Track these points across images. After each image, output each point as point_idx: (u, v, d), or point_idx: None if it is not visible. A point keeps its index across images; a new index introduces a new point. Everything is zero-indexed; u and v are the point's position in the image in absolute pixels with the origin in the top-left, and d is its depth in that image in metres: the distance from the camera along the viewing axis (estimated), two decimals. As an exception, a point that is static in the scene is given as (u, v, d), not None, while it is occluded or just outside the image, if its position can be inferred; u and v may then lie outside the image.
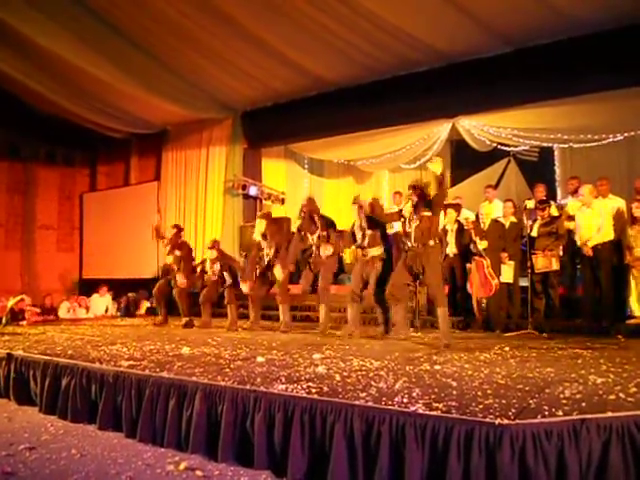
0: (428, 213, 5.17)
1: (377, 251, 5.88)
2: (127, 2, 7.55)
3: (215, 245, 7.48)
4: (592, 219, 6.25)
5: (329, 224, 6.42)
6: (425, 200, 5.21)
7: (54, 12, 7.41)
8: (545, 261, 6.28)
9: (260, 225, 6.91)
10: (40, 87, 9.30)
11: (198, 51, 8.51)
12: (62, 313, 9.51)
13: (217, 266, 7.36)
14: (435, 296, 5.30)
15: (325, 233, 6.29)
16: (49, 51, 7.99)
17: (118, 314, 9.87)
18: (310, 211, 6.42)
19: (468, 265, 6.34)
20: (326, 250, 6.23)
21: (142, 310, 9.94)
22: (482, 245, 6.26)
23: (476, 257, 6.21)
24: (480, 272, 6.12)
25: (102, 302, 10.01)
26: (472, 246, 6.28)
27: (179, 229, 8.05)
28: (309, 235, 6.40)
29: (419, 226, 5.16)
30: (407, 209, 5.34)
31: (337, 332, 6.04)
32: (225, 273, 7.32)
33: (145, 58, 8.71)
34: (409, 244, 5.23)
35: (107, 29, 8.07)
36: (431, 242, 5.16)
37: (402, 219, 5.37)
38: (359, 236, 5.97)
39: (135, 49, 8.52)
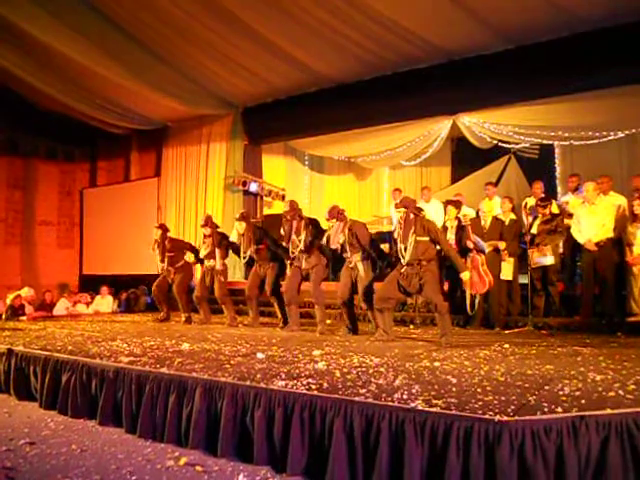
0: (425, 238, 5.00)
1: (359, 257, 5.75)
2: (130, -1, 7.55)
3: (208, 222, 7.26)
4: (595, 216, 6.26)
5: (313, 233, 6.25)
6: (422, 225, 5.06)
7: (55, 8, 7.40)
8: (539, 255, 6.29)
9: (239, 226, 6.78)
10: (40, 83, 9.30)
11: (199, 47, 8.50)
12: (58, 311, 9.45)
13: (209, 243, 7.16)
14: (437, 307, 5.01)
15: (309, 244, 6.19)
16: (49, 47, 7.98)
17: (118, 310, 9.88)
18: (293, 217, 6.32)
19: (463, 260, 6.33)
20: (310, 262, 6.20)
21: (142, 306, 9.96)
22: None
23: (471, 253, 6.22)
24: (475, 268, 6.13)
25: (104, 303, 10.00)
26: (468, 242, 6.27)
27: (164, 229, 7.84)
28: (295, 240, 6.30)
29: (415, 247, 4.98)
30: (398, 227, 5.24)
31: (337, 333, 6.03)
32: (218, 251, 7.07)
33: (146, 54, 8.70)
34: (402, 262, 5.07)
35: (107, 25, 8.05)
36: (424, 262, 5.00)
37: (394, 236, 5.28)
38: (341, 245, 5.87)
39: (136, 45, 8.51)
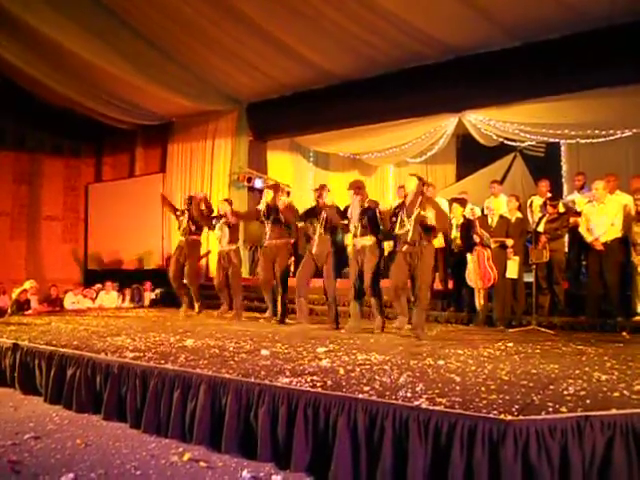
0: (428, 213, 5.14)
1: (368, 240, 5.65)
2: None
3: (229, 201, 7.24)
4: (605, 215, 6.23)
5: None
6: (424, 198, 5.20)
7: (63, 5, 7.43)
8: (537, 253, 6.29)
9: (268, 195, 6.76)
10: (46, 79, 9.32)
11: (204, 43, 8.50)
12: (67, 304, 9.58)
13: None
14: (418, 295, 5.22)
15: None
16: (55, 42, 7.99)
17: (131, 305, 9.85)
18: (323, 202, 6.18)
19: (469, 255, 6.35)
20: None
21: (146, 301, 9.99)
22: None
23: (477, 247, 6.24)
24: (481, 263, 6.15)
25: (108, 299, 10.04)
26: (475, 237, 6.29)
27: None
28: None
29: (416, 223, 5.12)
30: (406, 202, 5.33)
31: (342, 328, 6.01)
32: (227, 230, 6.95)
33: (152, 50, 8.72)
34: (407, 240, 5.18)
35: (115, 22, 8.08)
36: (424, 242, 5.13)
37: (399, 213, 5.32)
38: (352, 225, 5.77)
39: (142, 41, 8.53)
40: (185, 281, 7.43)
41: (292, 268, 7.80)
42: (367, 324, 6.07)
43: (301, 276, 6.21)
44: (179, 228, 7.62)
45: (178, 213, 7.66)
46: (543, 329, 5.92)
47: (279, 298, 6.63)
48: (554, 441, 2.30)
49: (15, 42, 8.26)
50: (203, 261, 9.13)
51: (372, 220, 5.65)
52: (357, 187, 5.72)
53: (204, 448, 3.14)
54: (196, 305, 7.46)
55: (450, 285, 7.26)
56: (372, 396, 2.72)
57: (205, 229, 7.87)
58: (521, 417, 2.34)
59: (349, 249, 8.23)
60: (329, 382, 3.03)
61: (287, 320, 6.60)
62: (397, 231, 5.24)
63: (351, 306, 5.91)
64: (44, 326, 6.05)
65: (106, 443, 3.23)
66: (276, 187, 6.84)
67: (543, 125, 8.51)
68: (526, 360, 3.92)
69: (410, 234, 5.13)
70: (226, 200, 7.40)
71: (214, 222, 7.32)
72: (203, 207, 7.43)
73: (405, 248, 5.21)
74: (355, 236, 5.71)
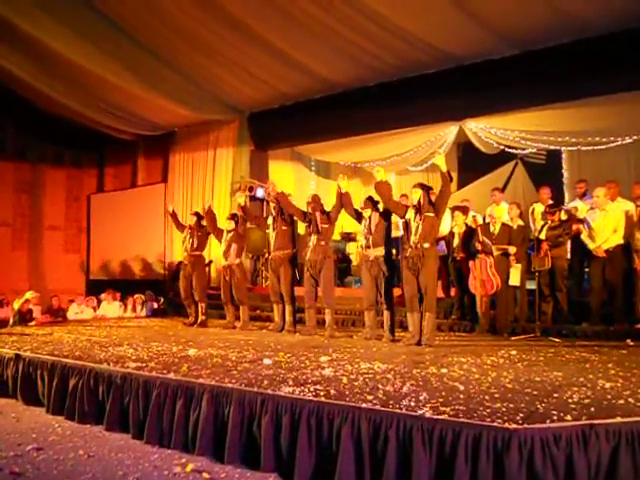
0: (431, 214, 5.28)
1: (379, 251, 5.73)
2: (137, 5, 7.60)
3: (234, 217, 7.30)
4: (607, 222, 6.23)
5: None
6: (430, 201, 5.35)
7: (64, 15, 7.48)
8: (539, 261, 6.29)
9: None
10: (48, 89, 9.38)
11: (205, 53, 8.56)
12: (70, 314, 9.58)
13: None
14: (426, 300, 5.24)
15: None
16: (58, 53, 8.06)
17: (133, 315, 9.81)
18: (314, 209, 6.40)
19: (471, 262, 6.35)
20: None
21: (148, 311, 9.96)
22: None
23: (480, 255, 6.24)
24: (483, 270, 6.15)
25: (110, 309, 10.03)
26: (477, 244, 6.30)
27: (199, 216, 7.86)
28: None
29: (422, 226, 5.22)
30: (410, 210, 5.43)
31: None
32: (234, 245, 7.07)
33: (153, 60, 8.78)
34: (410, 243, 5.29)
35: (115, 30, 8.14)
36: (426, 244, 5.20)
37: (407, 217, 5.45)
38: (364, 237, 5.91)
39: (143, 51, 8.58)
40: (196, 298, 7.57)
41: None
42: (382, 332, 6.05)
43: (307, 289, 6.33)
44: (183, 243, 7.81)
45: (185, 232, 7.83)
46: (546, 337, 5.90)
47: (287, 309, 6.66)
48: (559, 450, 2.29)
49: (15, 52, 8.32)
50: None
51: (385, 231, 5.78)
52: (374, 204, 5.87)
53: (207, 459, 3.12)
54: (201, 317, 7.50)
55: (452, 293, 7.26)
56: (376, 405, 2.71)
57: (208, 244, 8.15)
58: (525, 426, 2.33)
59: (352, 257, 8.32)
60: (332, 391, 3.02)
61: (295, 330, 6.58)
62: (402, 233, 5.39)
63: (366, 316, 5.97)
64: (46, 336, 6.04)
65: (108, 454, 3.21)
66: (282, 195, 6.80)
67: (544, 132, 8.52)
68: (530, 368, 3.91)
69: (413, 236, 5.24)
70: (232, 216, 7.49)
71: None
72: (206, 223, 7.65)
73: (409, 252, 5.31)
74: (368, 247, 5.78)
